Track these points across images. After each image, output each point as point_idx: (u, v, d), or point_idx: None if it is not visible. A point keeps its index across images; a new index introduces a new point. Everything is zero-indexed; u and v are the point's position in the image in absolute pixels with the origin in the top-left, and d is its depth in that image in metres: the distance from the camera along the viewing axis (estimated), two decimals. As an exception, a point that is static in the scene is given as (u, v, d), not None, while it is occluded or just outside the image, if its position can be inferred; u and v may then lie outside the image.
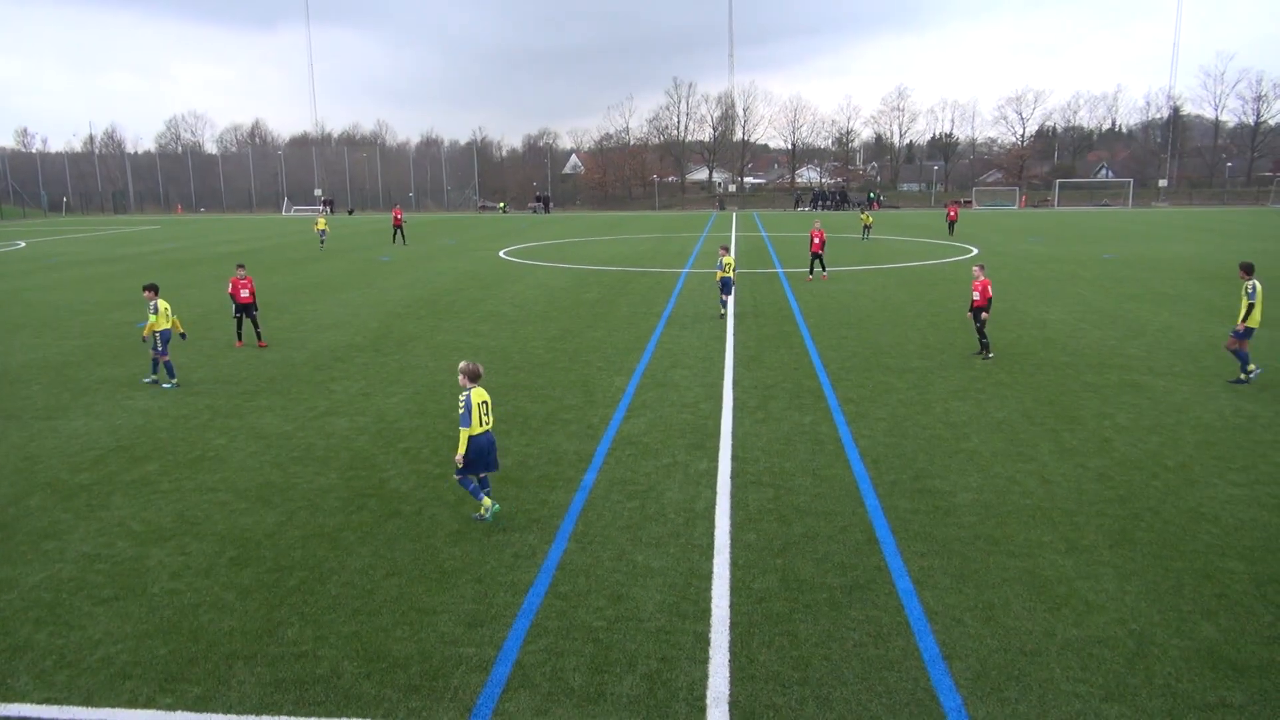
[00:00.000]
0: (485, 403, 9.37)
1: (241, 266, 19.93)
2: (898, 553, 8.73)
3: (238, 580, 8.31)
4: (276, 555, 8.84)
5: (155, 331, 15.84)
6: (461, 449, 9.15)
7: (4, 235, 64.64)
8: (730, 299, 23.29)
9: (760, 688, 6.52)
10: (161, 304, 15.92)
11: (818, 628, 7.34)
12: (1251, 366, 15.36)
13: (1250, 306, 15.10)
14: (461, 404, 9.18)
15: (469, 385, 9.33)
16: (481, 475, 9.57)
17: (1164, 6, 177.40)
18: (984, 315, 17.45)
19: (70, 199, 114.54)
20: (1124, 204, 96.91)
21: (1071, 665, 6.75)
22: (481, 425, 9.28)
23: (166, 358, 16.00)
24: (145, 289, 16.24)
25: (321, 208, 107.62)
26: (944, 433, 12.64)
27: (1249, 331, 15.20)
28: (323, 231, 47.90)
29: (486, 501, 9.50)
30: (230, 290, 19.40)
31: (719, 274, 22.69)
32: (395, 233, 50.65)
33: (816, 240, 30.11)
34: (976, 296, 17.34)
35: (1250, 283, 15.27)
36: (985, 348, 17.63)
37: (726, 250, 22.94)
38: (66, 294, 29.53)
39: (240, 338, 19.78)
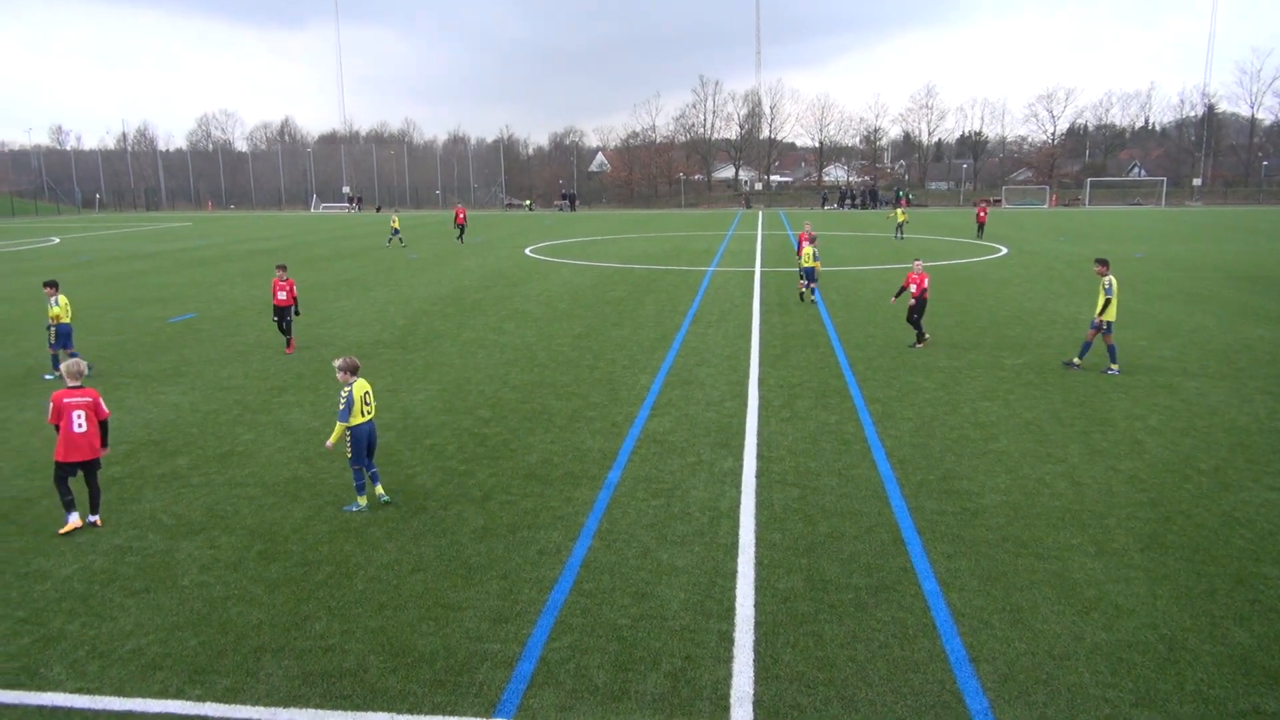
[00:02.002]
0: (367, 393, 9.79)
1: (282, 268, 19.19)
2: (924, 554, 8.67)
3: (266, 574, 8.40)
4: (304, 550, 8.93)
5: (54, 325, 16.61)
6: (334, 438, 9.63)
7: (39, 232, 65.72)
8: (814, 285, 25.03)
9: (785, 688, 6.50)
10: (62, 299, 16.84)
11: (843, 628, 7.30)
12: (1078, 360, 16.43)
13: (1107, 302, 15.85)
14: (342, 400, 9.54)
15: (350, 380, 9.63)
16: (370, 467, 9.94)
17: (1198, 2, 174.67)
18: (922, 308, 18.49)
19: (103, 196, 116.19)
20: (1156, 203, 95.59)
21: (1101, 670, 6.68)
22: (363, 416, 9.68)
23: (58, 350, 16.66)
24: (45, 285, 17.19)
25: (350, 205, 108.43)
26: (972, 433, 12.53)
27: (1109, 326, 15.98)
28: (396, 230, 47.29)
29: (363, 500, 9.87)
30: (272, 291, 18.98)
31: (801, 263, 24.94)
32: (459, 231, 49.24)
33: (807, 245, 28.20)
34: (914, 289, 18.27)
35: (1108, 278, 16.00)
36: (920, 337, 18.62)
37: (811, 241, 25.21)
38: (99, 290, 29.95)
39: (289, 343, 18.90)
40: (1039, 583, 8.06)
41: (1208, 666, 6.70)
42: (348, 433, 9.65)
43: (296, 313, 19.13)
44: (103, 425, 9.61)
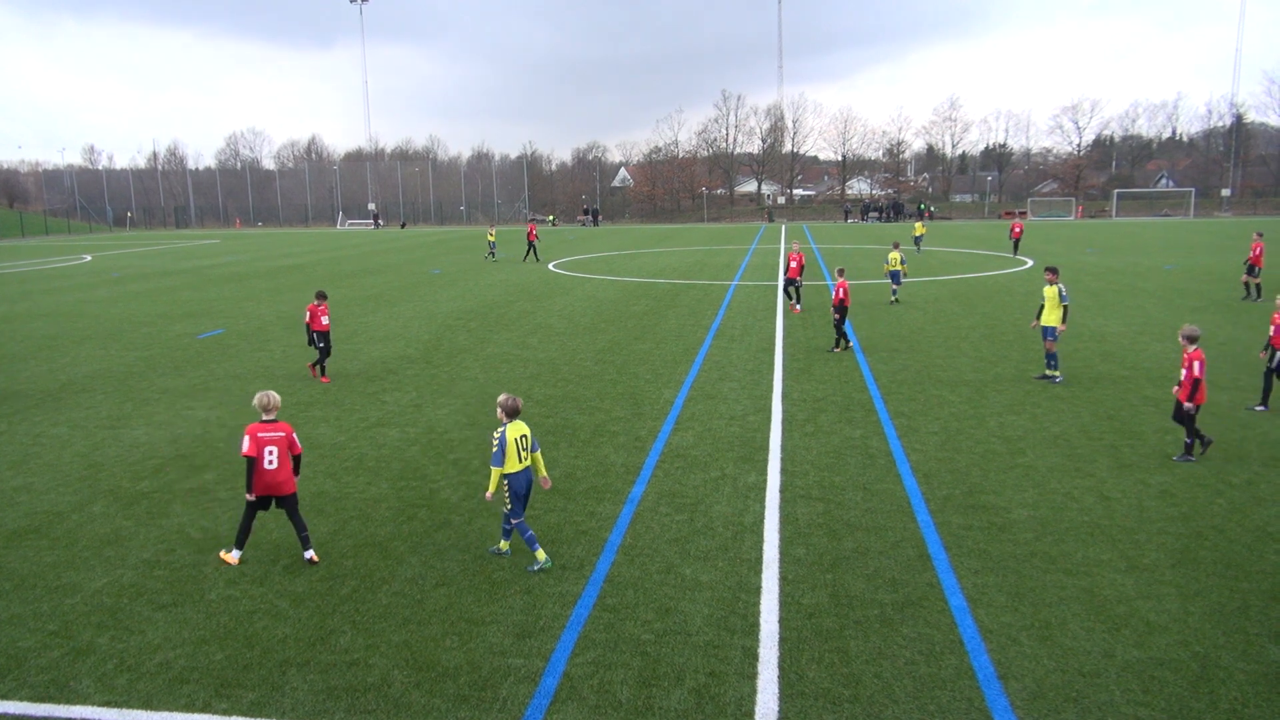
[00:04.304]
0: (524, 437, 8.72)
1: (323, 297, 17.98)
2: (951, 569, 8.58)
3: (291, 588, 8.45)
4: (329, 564, 8.97)
5: None
6: (492, 488, 8.66)
7: (71, 249, 66.78)
8: (897, 288, 27.74)
9: (809, 704, 6.45)
10: None
11: (868, 644, 7.24)
12: (1049, 372, 16.51)
13: (1065, 309, 16.39)
14: (495, 442, 8.56)
15: (506, 421, 8.71)
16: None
17: (1226, 11, 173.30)
18: (843, 313, 19.65)
19: (134, 214, 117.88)
20: (1185, 214, 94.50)
21: (1132, 687, 6.57)
22: (520, 462, 8.63)
23: None
24: None
25: (372, 222, 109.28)
26: (998, 447, 12.42)
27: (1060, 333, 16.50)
28: (493, 243, 47.00)
29: (504, 545, 9.04)
30: (308, 319, 17.64)
31: (886, 267, 27.87)
32: (529, 249, 46.99)
33: (794, 264, 26.29)
34: (842, 294, 19.49)
35: (1060, 286, 16.50)
36: (838, 342, 19.71)
37: (896, 247, 28.42)
38: (129, 307, 30.38)
39: (324, 371, 17.87)
40: (1068, 599, 7.96)
41: (1241, 685, 6.58)
42: (504, 480, 8.62)
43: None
44: (296, 460, 9.07)
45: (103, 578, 8.74)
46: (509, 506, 8.71)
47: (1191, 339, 11.76)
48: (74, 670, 7.06)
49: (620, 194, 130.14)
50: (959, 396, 15.37)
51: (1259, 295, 26.93)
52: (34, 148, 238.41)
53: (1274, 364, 14.04)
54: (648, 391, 16.18)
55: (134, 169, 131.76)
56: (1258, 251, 27.41)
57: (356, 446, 13.07)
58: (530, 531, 8.82)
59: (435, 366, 18.88)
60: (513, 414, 8.71)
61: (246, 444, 8.81)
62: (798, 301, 26.46)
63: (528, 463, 8.74)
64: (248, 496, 8.86)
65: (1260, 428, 13.13)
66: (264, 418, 9.00)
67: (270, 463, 8.84)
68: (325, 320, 17.75)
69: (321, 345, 17.80)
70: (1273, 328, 14.11)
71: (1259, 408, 14.18)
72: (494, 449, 8.55)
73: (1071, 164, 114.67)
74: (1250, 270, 27.32)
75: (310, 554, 9.00)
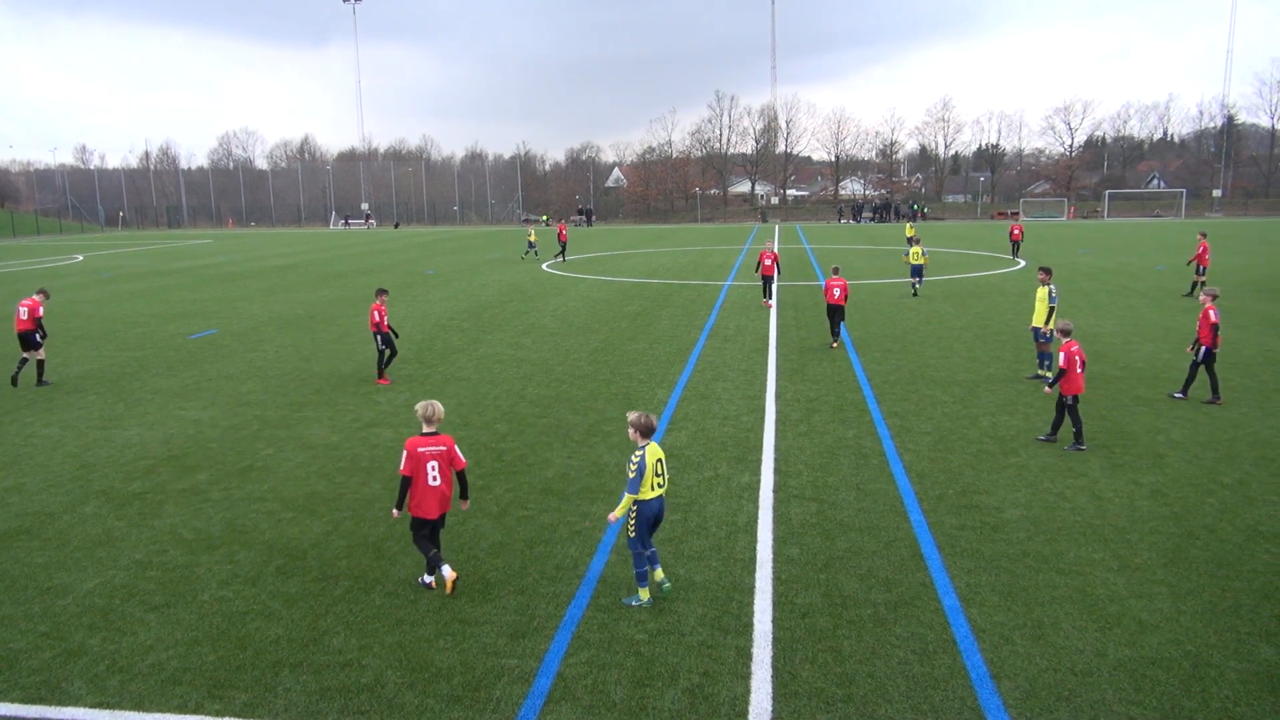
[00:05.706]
0: (660, 461, 7.93)
1: (384, 292, 17.58)
2: (944, 569, 8.60)
3: (284, 589, 8.43)
4: (322, 565, 8.96)
5: None
6: (620, 510, 7.93)
7: (63, 249, 66.52)
8: (919, 281, 29.30)
9: (803, 704, 6.46)
10: None
11: (862, 644, 7.25)
12: (1045, 373, 16.50)
13: (1051, 309, 16.37)
14: (633, 466, 7.79)
15: (642, 442, 7.91)
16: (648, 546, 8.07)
17: (1217, 14, 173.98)
18: (840, 312, 20.08)
19: (126, 214, 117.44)
20: (1176, 215, 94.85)
21: (1124, 687, 6.59)
22: (653, 490, 7.86)
23: None
24: None
25: (365, 222, 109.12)
26: (991, 447, 12.45)
27: (1051, 334, 16.38)
28: (533, 243, 47.47)
29: (645, 593, 8.01)
30: (377, 320, 17.10)
31: (909, 260, 29.53)
32: (561, 249, 47.04)
33: (768, 262, 27.00)
34: (837, 294, 19.75)
35: (1051, 287, 16.54)
36: (835, 335, 20.19)
37: (916, 242, 30.62)
38: (122, 307, 30.27)
39: (381, 373, 17.41)
40: (1061, 598, 7.98)
41: (1233, 684, 6.61)
42: (634, 507, 7.85)
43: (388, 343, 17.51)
44: (460, 476, 8.40)
45: (94, 579, 8.71)
46: (632, 533, 7.91)
47: (1065, 332, 12.42)
48: (66, 672, 7.04)
49: (614, 194, 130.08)
50: (952, 396, 15.40)
51: (1192, 291, 27.91)
52: (25, 147, 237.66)
53: (1200, 357, 14.56)
54: (641, 392, 16.17)
55: (126, 169, 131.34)
56: (1202, 250, 28.50)
57: (350, 447, 13.04)
58: (644, 567, 7.98)
59: (429, 367, 18.85)
60: (647, 433, 7.90)
61: (404, 462, 8.18)
62: (768, 297, 27.62)
63: (661, 491, 7.96)
64: (394, 513, 8.34)
65: (1251, 427, 13.18)
66: (425, 430, 8.28)
67: (433, 479, 8.19)
68: (386, 320, 17.28)
69: (385, 347, 17.39)
70: (1199, 322, 14.64)
71: (1212, 400, 14.55)
72: (631, 474, 7.79)
73: (1064, 165, 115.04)
74: (1197, 269, 28.69)
75: (429, 580, 8.35)
